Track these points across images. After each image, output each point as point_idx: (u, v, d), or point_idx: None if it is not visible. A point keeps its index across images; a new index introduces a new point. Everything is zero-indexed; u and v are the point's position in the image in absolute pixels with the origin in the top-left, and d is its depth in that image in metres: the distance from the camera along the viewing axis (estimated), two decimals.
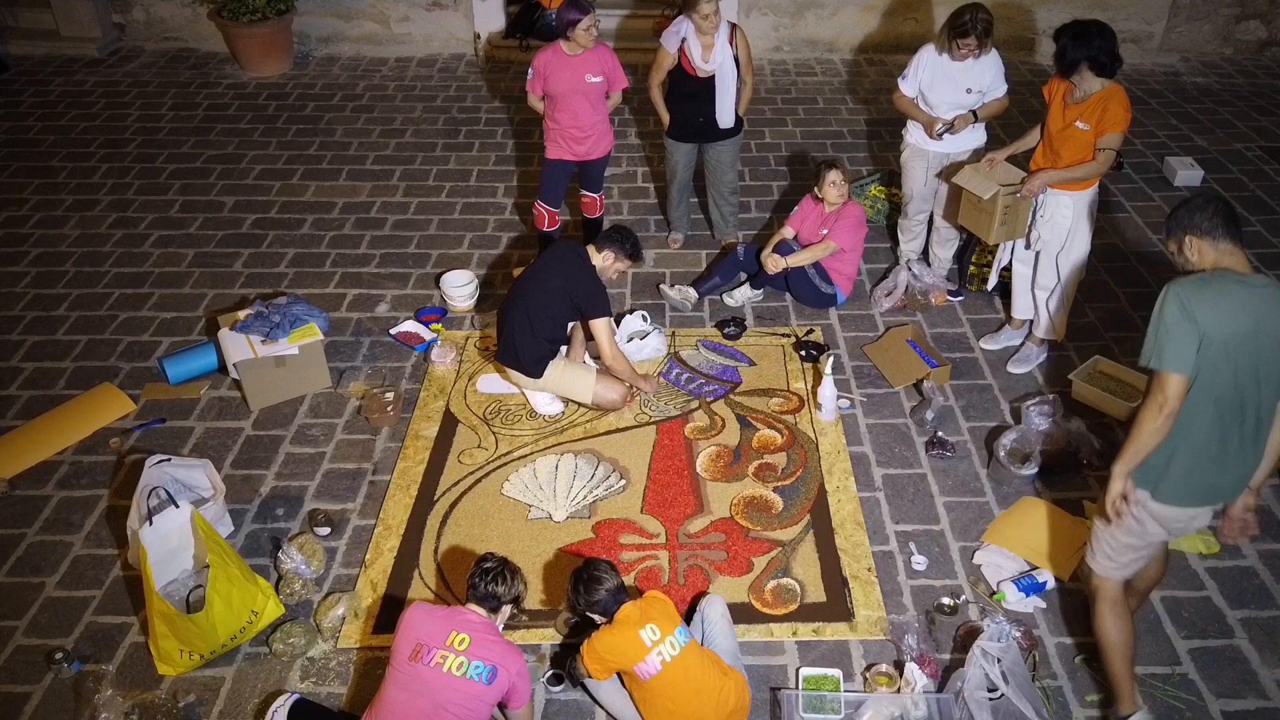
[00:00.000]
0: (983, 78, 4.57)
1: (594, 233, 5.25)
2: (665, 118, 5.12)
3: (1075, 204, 4.20)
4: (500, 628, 2.95)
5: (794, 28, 8.16)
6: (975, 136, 4.78)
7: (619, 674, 3.02)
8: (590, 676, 3.00)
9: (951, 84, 4.57)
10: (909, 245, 5.19)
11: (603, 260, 4.15)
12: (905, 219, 5.11)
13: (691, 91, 4.94)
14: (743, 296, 5.04)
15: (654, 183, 6.19)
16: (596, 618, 3.03)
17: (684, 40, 4.82)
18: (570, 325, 4.33)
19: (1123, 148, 4.12)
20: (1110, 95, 4.01)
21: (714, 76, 4.87)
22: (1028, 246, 4.44)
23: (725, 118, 5.00)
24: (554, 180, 5.04)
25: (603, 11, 8.09)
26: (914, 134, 4.81)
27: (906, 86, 4.71)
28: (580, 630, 3.28)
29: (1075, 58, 3.96)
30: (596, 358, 4.41)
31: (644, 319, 4.80)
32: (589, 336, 4.31)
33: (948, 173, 4.68)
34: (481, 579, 2.91)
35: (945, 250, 5.09)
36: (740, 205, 5.67)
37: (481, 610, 2.92)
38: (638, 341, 4.64)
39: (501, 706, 2.91)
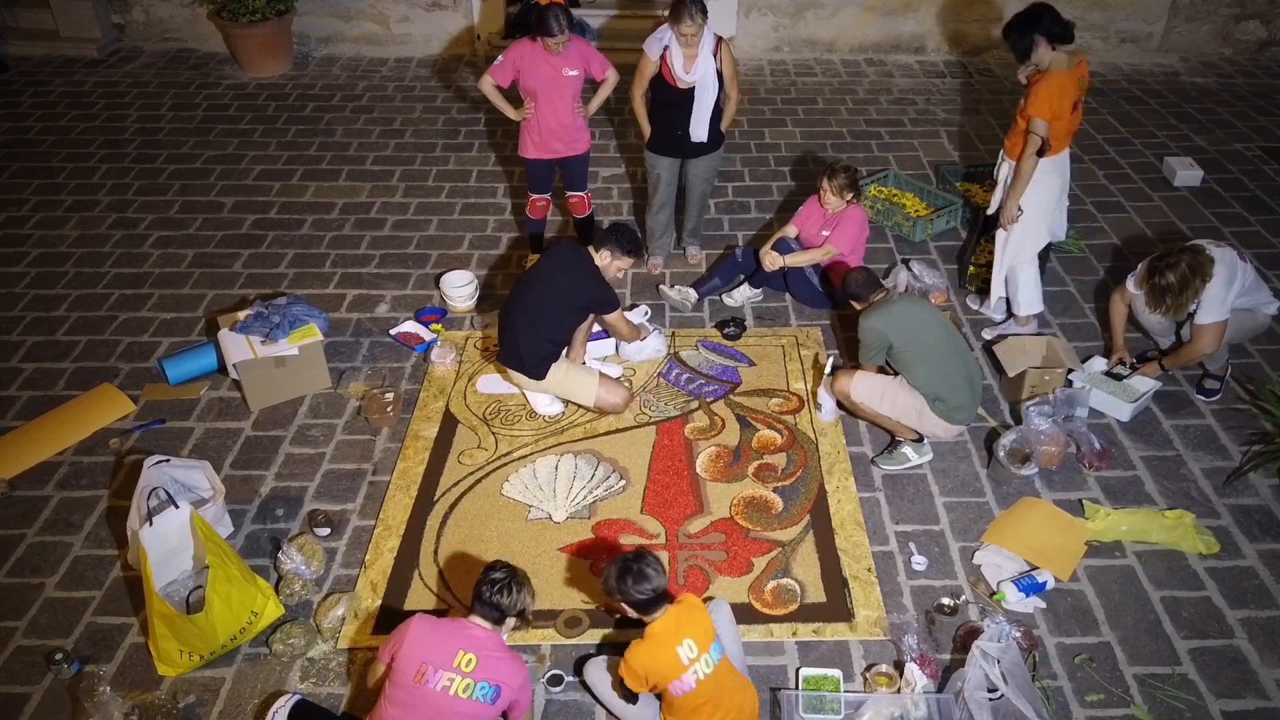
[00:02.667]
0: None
1: (588, 232, 5.25)
2: (646, 130, 4.94)
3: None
4: (505, 639, 2.90)
5: (793, 28, 8.16)
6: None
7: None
8: (630, 692, 2.96)
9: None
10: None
11: (603, 260, 4.16)
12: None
13: (670, 102, 4.77)
14: (742, 296, 5.04)
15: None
16: (628, 610, 2.93)
17: (666, 48, 4.67)
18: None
19: (1046, 135, 4.25)
20: (1037, 79, 4.20)
21: (694, 88, 4.71)
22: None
23: (699, 132, 4.81)
24: (538, 176, 5.02)
25: (599, 12, 8.13)
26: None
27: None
28: (577, 624, 3.30)
29: (1027, 43, 4.16)
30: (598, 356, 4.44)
31: (645, 314, 4.82)
32: (605, 331, 4.49)
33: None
34: (489, 589, 2.84)
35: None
36: (714, 219, 5.64)
37: (486, 622, 2.85)
38: (638, 342, 4.64)
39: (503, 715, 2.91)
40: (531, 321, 4.06)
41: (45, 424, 4.28)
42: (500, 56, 4.73)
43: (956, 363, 3.95)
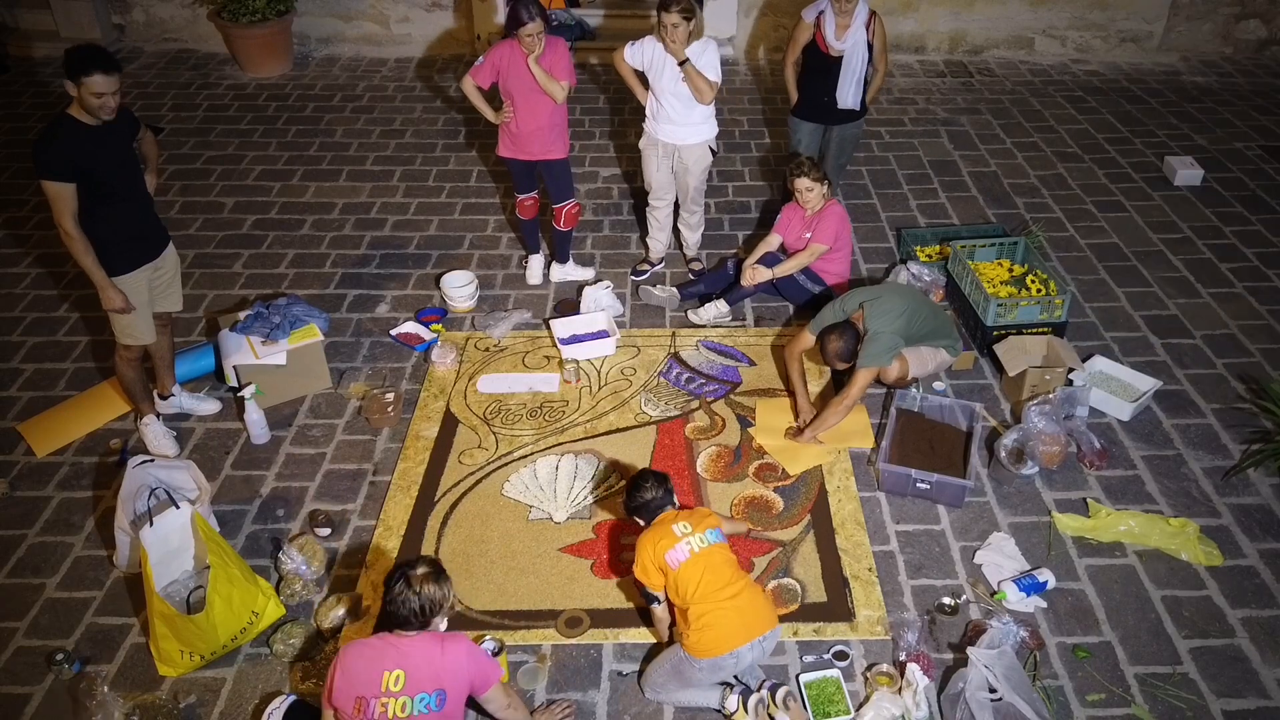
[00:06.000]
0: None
1: (564, 248, 5.19)
2: (794, 96, 5.26)
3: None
4: (440, 628, 2.71)
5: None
6: (708, 128, 4.83)
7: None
8: (651, 591, 3.14)
9: (671, 69, 4.63)
10: (656, 242, 5.28)
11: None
12: (650, 211, 5.20)
13: (820, 68, 5.05)
14: (709, 315, 4.90)
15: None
16: (640, 521, 3.22)
17: (821, 14, 4.95)
18: None
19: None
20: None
21: (843, 56, 4.97)
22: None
23: (846, 98, 5.09)
24: (519, 175, 4.95)
25: (598, 12, 8.12)
26: (648, 122, 4.91)
27: (630, 54, 4.77)
28: (577, 624, 3.30)
29: None
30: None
31: (606, 285, 4.99)
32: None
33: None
34: (390, 603, 2.61)
35: (695, 234, 5.29)
36: (714, 219, 5.69)
37: (409, 631, 2.66)
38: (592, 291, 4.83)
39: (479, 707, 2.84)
40: None
41: (75, 405, 4.35)
42: (481, 58, 4.64)
43: (931, 308, 4.38)
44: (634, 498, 3.21)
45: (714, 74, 4.61)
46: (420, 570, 2.63)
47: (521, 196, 5.03)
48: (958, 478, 3.86)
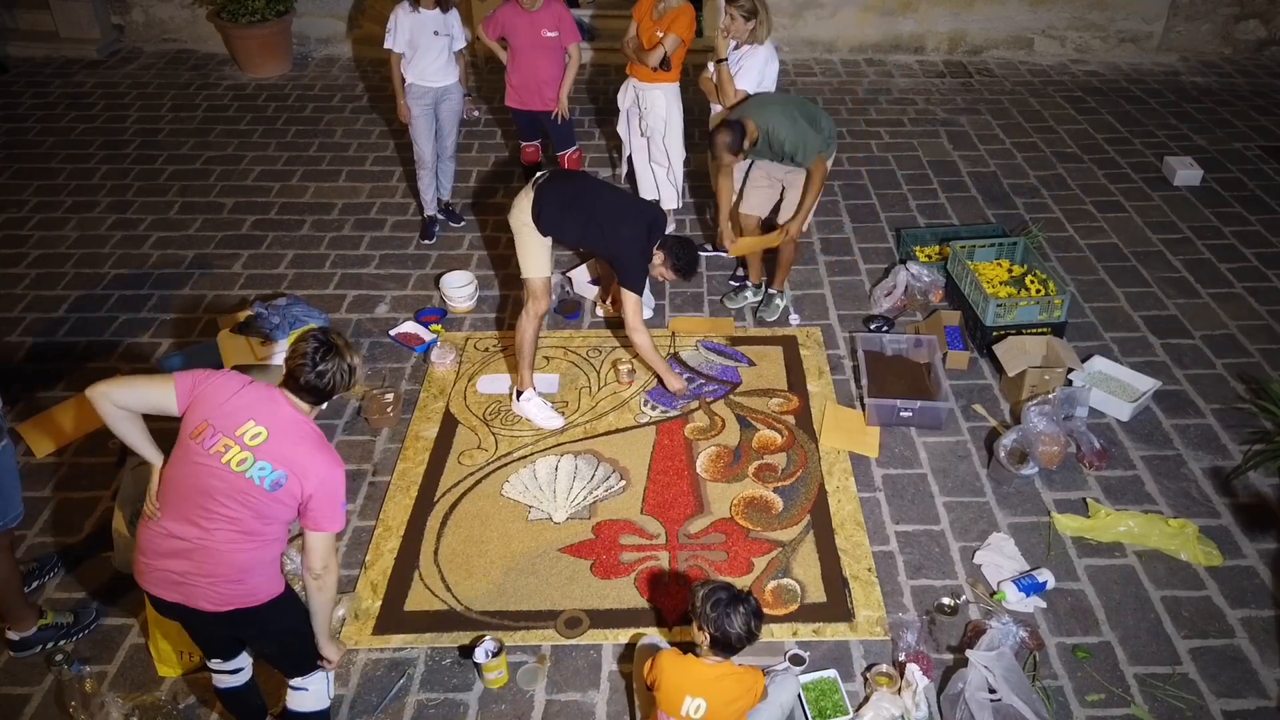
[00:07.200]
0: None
1: None
2: None
3: (666, 95, 5.01)
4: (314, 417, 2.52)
5: (793, 28, 8.16)
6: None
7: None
8: (645, 679, 2.83)
9: None
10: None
11: (656, 256, 4.10)
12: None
13: None
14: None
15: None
16: (699, 631, 2.69)
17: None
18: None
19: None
20: (681, 11, 4.83)
21: None
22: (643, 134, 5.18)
23: None
24: (523, 124, 5.55)
25: (598, 12, 8.12)
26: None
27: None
28: (577, 625, 3.28)
29: None
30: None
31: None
32: (615, 303, 4.54)
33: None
34: (306, 368, 2.39)
35: None
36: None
37: (303, 402, 2.45)
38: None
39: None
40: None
41: (74, 405, 4.32)
42: (493, 11, 5.23)
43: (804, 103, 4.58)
44: (727, 619, 2.61)
45: (745, 83, 4.70)
46: (343, 340, 2.46)
47: (525, 144, 5.63)
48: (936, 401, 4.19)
